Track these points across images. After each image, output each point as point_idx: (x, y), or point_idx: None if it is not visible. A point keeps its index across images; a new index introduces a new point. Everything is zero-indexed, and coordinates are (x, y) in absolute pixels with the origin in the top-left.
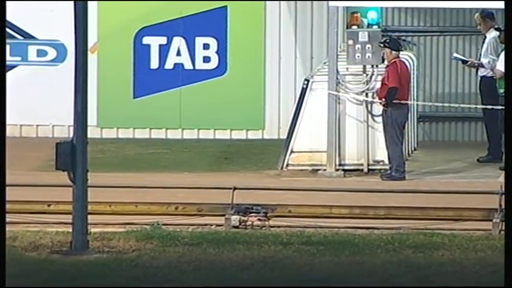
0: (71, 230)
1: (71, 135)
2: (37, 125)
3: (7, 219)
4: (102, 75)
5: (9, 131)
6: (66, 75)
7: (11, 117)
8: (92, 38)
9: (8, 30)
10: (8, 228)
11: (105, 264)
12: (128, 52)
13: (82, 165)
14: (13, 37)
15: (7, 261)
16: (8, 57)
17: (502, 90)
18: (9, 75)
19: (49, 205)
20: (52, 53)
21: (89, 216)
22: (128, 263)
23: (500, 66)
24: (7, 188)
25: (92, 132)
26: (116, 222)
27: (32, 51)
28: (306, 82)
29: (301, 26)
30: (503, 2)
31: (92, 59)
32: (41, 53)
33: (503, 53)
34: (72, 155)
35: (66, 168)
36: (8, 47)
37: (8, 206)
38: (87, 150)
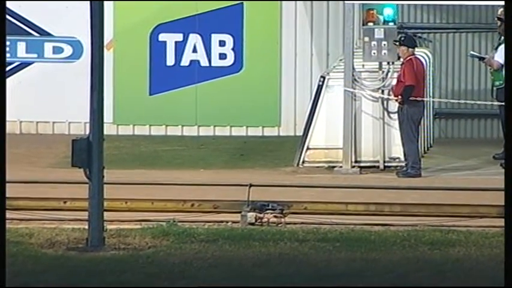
0: (87, 226)
1: (87, 132)
2: (53, 122)
3: (23, 216)
4: (118, 72)
5: (25, 128)
6: (82, 72)
7: (27, 114)
8: (108, 35)
9: (24, 27)
10: (24, 225)
11: (121, 260)
12: (144, 49)
13: (98, 162)
14: (29, 34)
15: (23, 258)
16: (24, 54)
17: (497, 83)
18: (25, 72)
19: (65, 202)
20: (68, 50)
21: (105, 213)
22: (144, 259)
23: (499, 57)
24: (23, 184)
25: (108, 129)
26: (132, 219)
27: (48, 48)
28: (321, 79)
29: (317, 22)
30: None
31: (108, 56)
32: (57, 50)
33: (502, 45)
34: (88, 152)
35: (82, 165)
36: (24, 44)
37: (23, 203)
38: (103, 147)
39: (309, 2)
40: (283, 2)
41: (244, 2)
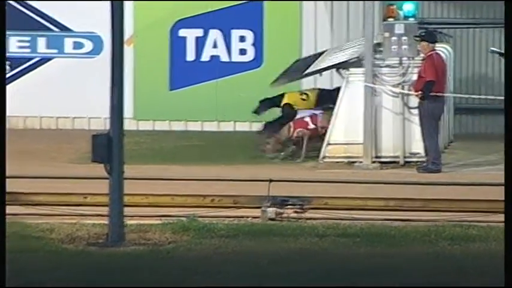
0: (107, 222)
1: (107, 128)
2: (73, 117)
3: (44, 212)
4: (139, 68)
5: (45, 124)
6: (102, 67)
7: (48, 110)
8: (129, 30)
9: (44, 22)
10: (44, 220)
11: (141, 256)
12: (164, 44)
13: (118, 158)
14: (49, 29)
15: (44, 254)
16: (45, 50)
17: None
18: (46, 68)
19: (86, 197)
20: (88, 45)
21: (125, 209)
22: (164, 255)
23: None
24: (44, 180)
25: (129, 125)
26: (152, 215)
27: (68, 43)
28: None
29: (337, 17)
30: None
31: (129, 52)
32: (77, 45)
33: None
34: (108, 147)
35: (102, 161)
36: (44, 39)
37: (44, 198)
38: (123, 143)
39: (329, 2)
40: (304, 1)
41: (264, 2)
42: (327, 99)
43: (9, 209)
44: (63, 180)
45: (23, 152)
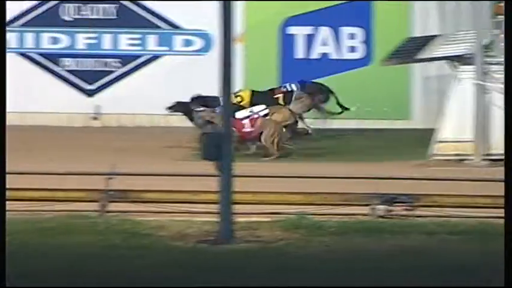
0: (217, 219)
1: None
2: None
3: (154, 209)
4: (249, 65)
5: (156, 121)
6: (211, 65)
7: (158, 108)
8: (239, 28)
9: (154, 20)
10: (154, 217)
11: (252, 253)
12: (273, 42)
13: (228, 155)
14: (159, 27)
15: (154, 251)
16: (154, 47)
17: None
18: (155, 66)
19: (195, 194)
20: (198, 43)
21: (235, 206)
22: (275, 252)
23: None
24: (154, 177)
25: None
26: (261, 212)
27: (178, 41)
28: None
29: (449, 15)
30: None
31: (239, 49)
32: (187, 43)
33: None
34: (218, 145)
35: (212, 158)
36: (154, 37)
37: (154, 195)
38: (233, 140)
39: (440, 1)
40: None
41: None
42: (261, 100)
43: (119, 206)
44: (173, 177)
45: (133, 150)
